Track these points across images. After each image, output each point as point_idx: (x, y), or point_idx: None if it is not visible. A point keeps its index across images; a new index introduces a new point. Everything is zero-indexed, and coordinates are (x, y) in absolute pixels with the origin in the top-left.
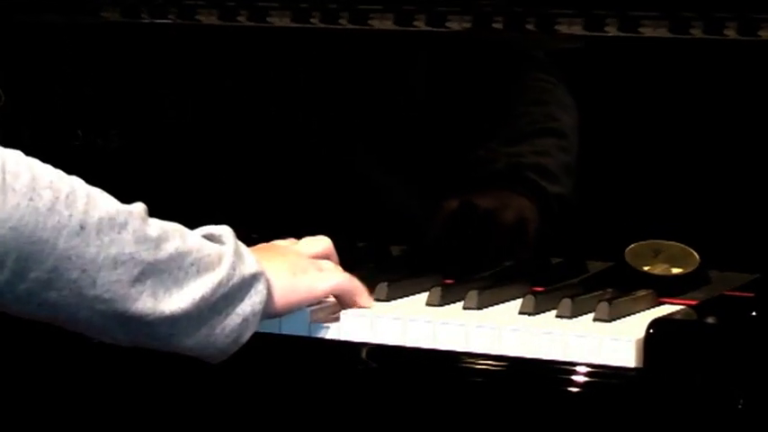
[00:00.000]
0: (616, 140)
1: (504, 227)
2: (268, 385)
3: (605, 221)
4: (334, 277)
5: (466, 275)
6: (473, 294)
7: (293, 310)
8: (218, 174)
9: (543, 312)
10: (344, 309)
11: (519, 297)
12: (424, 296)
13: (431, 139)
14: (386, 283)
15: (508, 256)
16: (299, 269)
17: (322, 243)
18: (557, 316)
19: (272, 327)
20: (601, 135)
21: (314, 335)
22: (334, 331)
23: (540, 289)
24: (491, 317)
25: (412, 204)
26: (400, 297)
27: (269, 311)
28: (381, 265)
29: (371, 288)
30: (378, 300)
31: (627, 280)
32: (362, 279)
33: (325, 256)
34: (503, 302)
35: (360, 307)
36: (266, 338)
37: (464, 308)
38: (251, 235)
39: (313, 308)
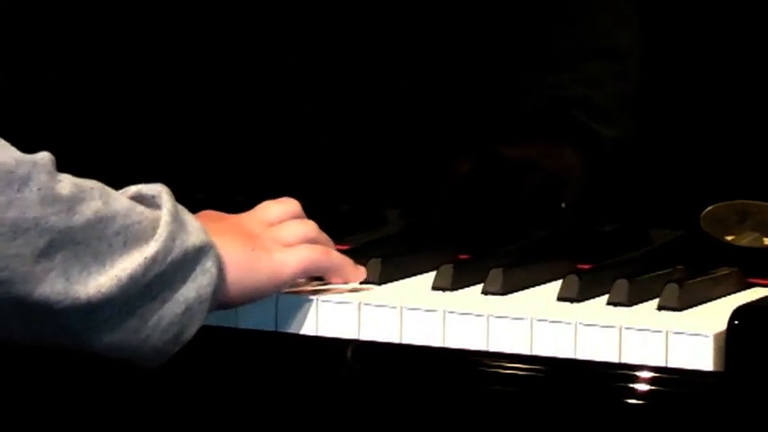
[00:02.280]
0: (692, 67)
1: (539, 184)
2: (221, 397)
3: (675, 176)
4: (305, 252)
5: (486, 249)
6: (496, 274)
7: (251, 299)
8: (147, 108)
9: (590, 298)
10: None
11: (558, 278)
12: (430, 277)
13: (440, 65)
14: (379, 260)
15: (543, 223)
16: (259, 243)
17: (286, 206)
18: (609, 303)
19: (225, 318)
20: (671, 59)
21: (283, 329)
22: (309, 324)
23: (586, 267)
24: (520, 305)
25: (415, 154)
26: (398, 278)
27: (220, 299)
28: (373, 236)
29: (361, 265)
30: (368, 282)
31: (703, 254)
32: (347, 255)
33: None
34: (536, 285)
35: (354, 280)
36: (217, 334)
37: (484, 292)
38: (196, 195)
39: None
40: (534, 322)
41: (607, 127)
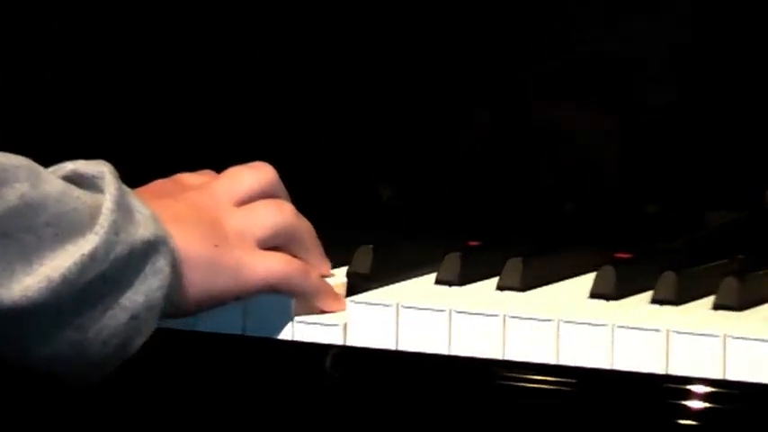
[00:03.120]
0: (759, 17)
1: (568, 155)
2: (177, 414)
3: (733, 147)
4: (278, 265)
5: (502, 234)
6: (514, 265)
7: (210, 306)
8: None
9: (630, 295)
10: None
11: (590, 270)
12: (432, 268)
13: (454, 8)
14: (370, 247)
15: (572, 201)
16: (223, 235)
17: (259, 175)
18: (653, 300)
19: (183, 322)
20: (733, 7)
21: (252, 332)
22: (283, 326)
23: (624, 256)
24: (544, 303)
25: (414, 116)
26: (394, 270)
27: (174, 304)
28: (365, 218)
29: (348, 254)
30: (358, 275)
31: None
32: (334, 241)
33: (267, 196)
34: (563, 278)
35: (331, 310)
36: (172, 338)
37: (499, 287)
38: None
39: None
40: (561, 324)
41: (652, 90)
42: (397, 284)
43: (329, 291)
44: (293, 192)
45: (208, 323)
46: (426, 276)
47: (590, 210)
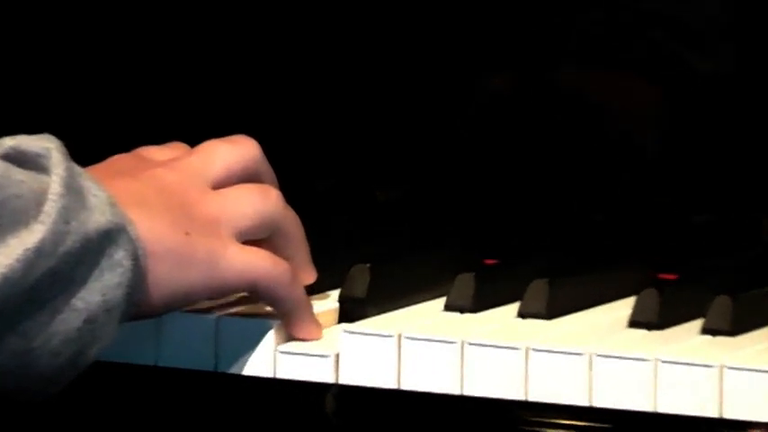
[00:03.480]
0: None
1: (597, 151)
2: None
3: None
4: (260, 263)
5: (523, 251)
6: (539, 288)
7: (179, 305)
8: None
9: (677, 323)
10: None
11: (628, 293)
12: (441, 292)
13: None
14: (366, 266)
15: (605, 210)
16: (196, 222)
17: (240, 151)
18: (704, 330)
19: (141, 353)
20: None
21: (224, 368)
22: (263, 361)
23: (669, 277)
24: (574, 333)
25: (418, 103)
26: (394, 293)
27: (138, 304)
28: (359, 228)
29: (340, 273)
30: (351, 299)
31: None
32: (322, 257)
33: (249, 177)
34: (597, 303)
35: (305, 337)
36: (128, 373)
37: (521, 314)
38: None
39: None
40: (595, 359)
41: (703, 58)
42: (399, 311)
43: (310, 311)
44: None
45: (170, 351)
46: (434, 301)
47: (627, 220)
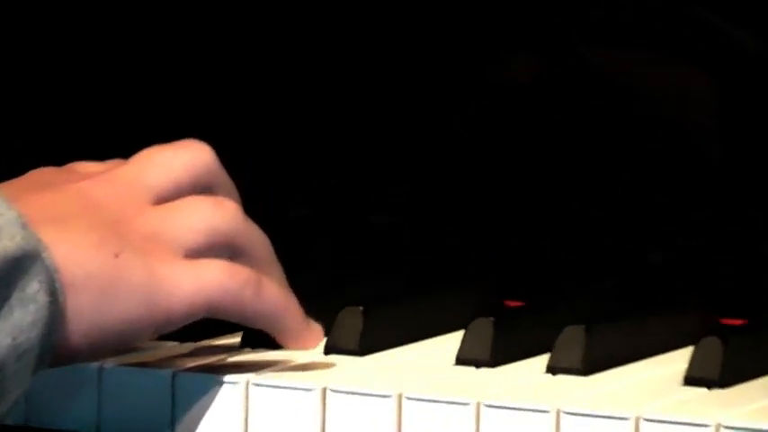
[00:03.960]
0: None
1: (644, 167)
2: None
3: None
4: (214, 274)
5: (554, 290)
6: (573, 336)
7: (110, 348)
8: None
9: (744, 380)
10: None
11: (684, 343)
12: (452, 341)
13: None
14: (359, 309)
15: (655, 240)
16: (130, 240)
17: (190, 159)
18: None
19: (80, 416)
20: None
21: (182, 411)
22: (232, 426)
23: (735, 322)
24: (614, 392)
25: (419, 105)
26: (394, 343)
27: (58, 347)
28: (348, 262)
29: (326, 318)
30: (337, 350)
31: None
32: (305, 299)
33: (202, 190)
34: (643, 356)
35: (292, 346)
36: None
37: (550, 369)
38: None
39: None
40: (642, 424)
41: (754, 35)
42: (400, 364)
43: (294, 312)
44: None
45: (114, 414)
46: (443, 352)
47: (684, 254)
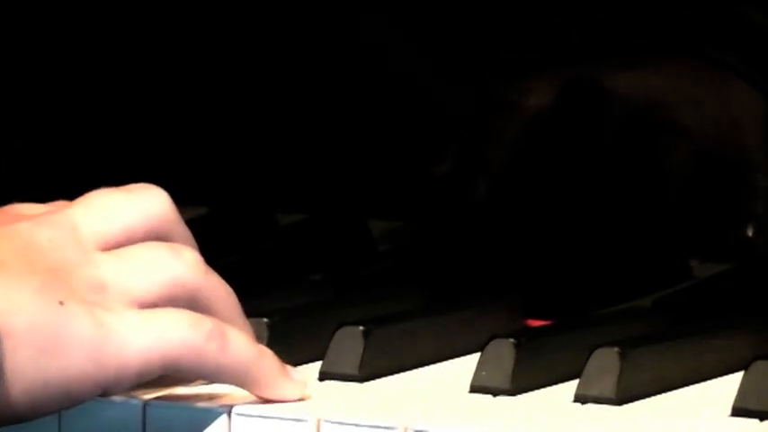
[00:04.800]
0: None
1: (684, 159)
2: None
3: None
4: (171, 326)
5: (581, 306)
6: (606, 360)
7: (54, 407)
8: None
9: None
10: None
11: (733, 368)
12: (463, 364)
13: None
14: (359, 329)
15: (699, 245)
16: (75, 289)
17: (140, 203)
18: None
19: None
20: None
21: None
22: None
23: None
24: (652, 424)
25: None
26: (396, 368)
27: None
28: (345, 274)
29: (320, 340)
30: (332, 373)
31: None
32: (294, 318)
33: (157, 239)
34: (684, 383)
35: (265, 400)
36: None
37: (579, 398)
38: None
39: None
40: None
41: None
42: (405, 392)
43: (273, 365)
44: (225, 232)
45: None
46: (455, 379)
47: (738, 264)
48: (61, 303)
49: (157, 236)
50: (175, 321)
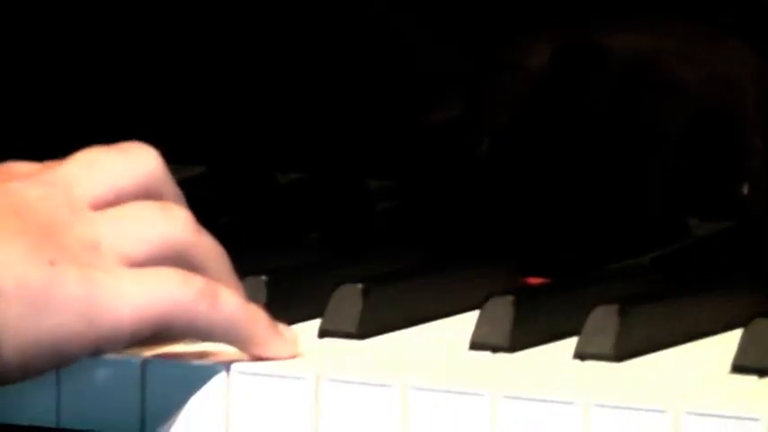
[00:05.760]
0: None
1: (682, 118)
2: None
3: None
4: (162, 286)
5: (580, 263)
6: (605, 318)
7: (47, 367)
8: None
9: None
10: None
11: (732, 325)
12: (463, 321)
13: None
14: (358, 287)
15: (696, 202)
16: (67, 248)
17: (134, 163)
18: None
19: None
20: None
21: (154, 405)
22: (212, 423)
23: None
24: (651, 380)
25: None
26: (395, 325)
27: None
28: (342, 232)
29: (318, 298)
30: (331, 331)
31: None
32: (292, 276)
33: (147, 197)
34: (683, 340)
35: (256, 358)
36: None
37: (578, 355)
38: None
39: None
40: (684, 418)
41: None
42: (404, 349)
43: (264, 323)
44: (223, 190)
45: (76, 407)
46: (454, 336)
47: (737, 223)
48: (52, 263)
49: (148, 194)
50: (166, 280)
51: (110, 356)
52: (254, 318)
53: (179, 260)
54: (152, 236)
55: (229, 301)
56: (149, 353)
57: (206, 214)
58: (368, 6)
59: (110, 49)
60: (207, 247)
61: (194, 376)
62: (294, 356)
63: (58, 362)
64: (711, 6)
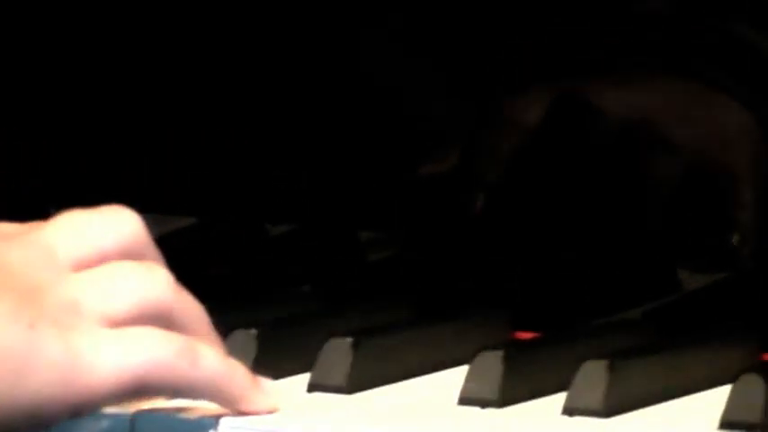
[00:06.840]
0: None
1: (676, 175)
2: None
3: None
4: (141, 348)
5: (570, 318)
6: (593, 373)
7: (28, 429)
8: None
9: None
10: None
11: (723, 380)
12: (452, 376)
13: None
14: (348, 340)
15: (690, 261)
16: (46, 310)
17: (115, 226)
18: None
19: None
20: None
21: None
22: None
23: None
24: None
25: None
26: (385, 380)
27: None
28: (331, 285)
29: (307, 351)
30: (321, 385)
31: None
32: (280, 329)
33: (129, 257)
34: (672, 395)
35: (239, 413)
36: None
37: (567, 411)
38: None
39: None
40: None
41: None
42: (394, 404)
43: (241, 376)
44: (194, 238)
45: None
46: (443, 390)
47: (728, 277)
48: (32, 326)
49: (129, 256)
50: (146, 339)
51: (102, 410)
52: (234, 374)
53: (160, 319)
54: (133, 296)
55: (209, 358)
56: (139, 407)
57: (196, 266)
58: (358, 58)
59: (101, 99)
60: (187, 305)
61: (183, 430)
62: (274, 410)
63: (37, 424)
64: (700, 62)
